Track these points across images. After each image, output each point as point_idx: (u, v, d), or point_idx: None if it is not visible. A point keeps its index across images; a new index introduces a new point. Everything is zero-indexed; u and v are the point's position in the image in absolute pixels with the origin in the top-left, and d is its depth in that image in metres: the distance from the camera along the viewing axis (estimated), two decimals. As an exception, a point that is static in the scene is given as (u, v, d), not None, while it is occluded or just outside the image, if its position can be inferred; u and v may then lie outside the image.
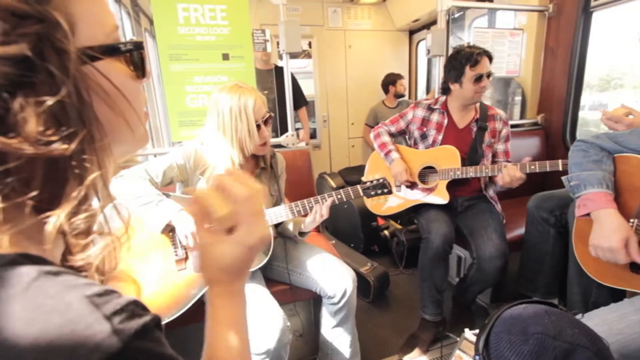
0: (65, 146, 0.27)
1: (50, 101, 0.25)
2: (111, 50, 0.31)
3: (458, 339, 1.08)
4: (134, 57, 0.34)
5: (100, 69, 0.30)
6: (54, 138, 0.26)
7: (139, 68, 0.35)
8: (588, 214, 1.05)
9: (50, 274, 0.25)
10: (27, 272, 0.25)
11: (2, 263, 0.25)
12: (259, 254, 1.25)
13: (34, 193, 0.27)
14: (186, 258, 1.19)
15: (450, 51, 1.77)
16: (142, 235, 1.17)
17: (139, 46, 0.34)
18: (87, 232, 0.31)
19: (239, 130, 1.14)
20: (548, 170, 1.49)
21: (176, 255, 1.19)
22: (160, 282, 1.16)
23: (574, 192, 1.10)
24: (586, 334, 0.66)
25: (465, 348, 1.00)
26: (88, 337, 0.23)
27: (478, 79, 1.56)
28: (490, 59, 1.59)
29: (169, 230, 1.17)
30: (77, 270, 0.33)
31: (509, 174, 1.50)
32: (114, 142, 0.32)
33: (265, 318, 1.11)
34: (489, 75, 1.58)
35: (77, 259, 0.32)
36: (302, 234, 1.39)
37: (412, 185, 1.71)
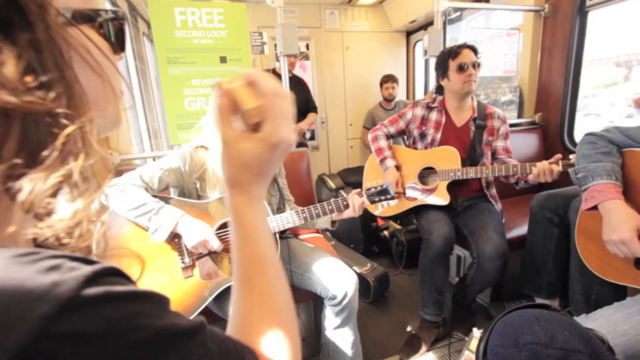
0: (45, 95, 0.24)
1: (30, 37, 0.23)
2: (89, 17, 0.29)
3: (466, 338, 1.07)
4: (113, 28, 0.32)
5: (80, 33, 0.28)
6: (33, 85, 0.23)
7: (118, 41, 0.33)
8: (595, 207, 1.00)
9: None
10: None
11: None
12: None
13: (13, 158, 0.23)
14: (193, 266, 1.18)
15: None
16: (146, 243, 1.15)
17: (119, 16, 0.33)
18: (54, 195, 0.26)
19: None
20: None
21: (183, 263, 1.17)
22: (167, 290, 1.15)
23: (581, 185, 1.06)
24: (578, 336, 0.64)
25: (474, 348, 0.99)
26: (24, 295, 0.18)
27: (461, 67, 1.60)
28: (474, 51, 1.62)
29: (173, 236, 1.16)
30: (43, 246, 0.28)
31: (545, 171, 1.37)
32: (94, 110, 0.29)
33: None
34: (474, 65, 1.60)
35: (41, 226, 0.26)
36: (333, 222, 1.41)
37: (412, 187, 1.71)
